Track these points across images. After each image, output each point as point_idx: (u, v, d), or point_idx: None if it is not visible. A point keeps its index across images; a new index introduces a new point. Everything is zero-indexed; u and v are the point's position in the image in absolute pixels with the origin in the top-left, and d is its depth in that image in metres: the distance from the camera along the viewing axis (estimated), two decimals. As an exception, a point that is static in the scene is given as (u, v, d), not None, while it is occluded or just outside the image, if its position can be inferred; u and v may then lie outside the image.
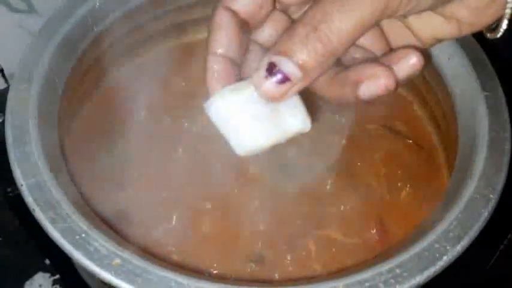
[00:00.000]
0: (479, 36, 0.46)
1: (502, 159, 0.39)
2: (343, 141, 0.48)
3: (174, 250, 0.42)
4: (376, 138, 0.49)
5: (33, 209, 0.35)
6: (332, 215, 0.44)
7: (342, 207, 0.44)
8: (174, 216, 0.43)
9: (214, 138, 0.46)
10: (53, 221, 0.34)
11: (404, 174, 0.47)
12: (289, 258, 0.42)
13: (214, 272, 0.41)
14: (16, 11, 0.54)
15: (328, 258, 0.42)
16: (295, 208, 0.44)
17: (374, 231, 0.43)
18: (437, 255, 0.34)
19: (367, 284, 0.32)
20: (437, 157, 0.49)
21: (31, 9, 0.54)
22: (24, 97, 0.40)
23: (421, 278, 0.33)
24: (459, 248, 0.34)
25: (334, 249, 0.42)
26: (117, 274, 0.32)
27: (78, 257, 0.33)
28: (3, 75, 0.56)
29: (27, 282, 0.49)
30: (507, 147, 0.39)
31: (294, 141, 0.47)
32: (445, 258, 0.34)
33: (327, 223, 0.43)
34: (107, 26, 0.48)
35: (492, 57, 0.46)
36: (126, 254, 0.33)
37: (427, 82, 0.50)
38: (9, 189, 0.54)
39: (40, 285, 0.49)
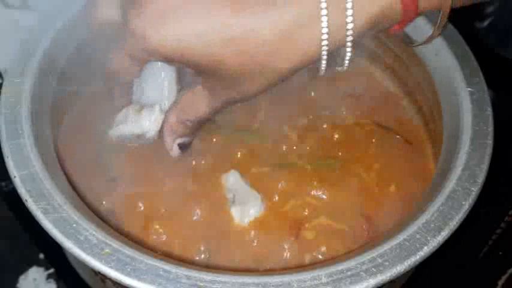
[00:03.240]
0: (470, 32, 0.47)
1: (484, 153, 0.39)
2: (336, 136, 0.49)
3: (164, 241, 0.42)
4: (365, 133, 0.49)
5: (26, 200, 0.36)
6: (321, 208, 0.44)
7: (331, 201, 0.45)
8: (166, 209, 0.43)
9: (206, 133, 0.46)
10: (45, 211, 0.35)
11: (393, 169, 0.47)
12: (276, 249, 0.42)
13: (205, 262, 0.41)
14: (10, 6, 0.54)
15: (317, 250, 0.42)
16: (285, 200, 0.44)
17: (363, 225, 0.44)
18: (418, 245, 0.34)
19: (349, 273, 0.33)
20: (426, 152, 0.49)
21: (25, 5, 0.54)
22: (18, 91, 0.41)
23: (402, 267, 0.34)
24: (440, 238, 0.35)
25: (322, 241, 0.43)
26: (107, 262, 0.33)
27: (69, 246, 0.34)
28: (-3, 70, 0.56)
29: (22, 276, 0.49)
30: (489, 141, 0.40)
31: (286, 136, 0.48)
32: (425, 248, 0.34)
33: (315, 216, 0.44)
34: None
35: (479, 52, 0.46)
36: (116, 244, 0.34)
37: (415, 78, 0.50)
38: (3, 184, 0.54)
39: (34, 279, 0.49)
